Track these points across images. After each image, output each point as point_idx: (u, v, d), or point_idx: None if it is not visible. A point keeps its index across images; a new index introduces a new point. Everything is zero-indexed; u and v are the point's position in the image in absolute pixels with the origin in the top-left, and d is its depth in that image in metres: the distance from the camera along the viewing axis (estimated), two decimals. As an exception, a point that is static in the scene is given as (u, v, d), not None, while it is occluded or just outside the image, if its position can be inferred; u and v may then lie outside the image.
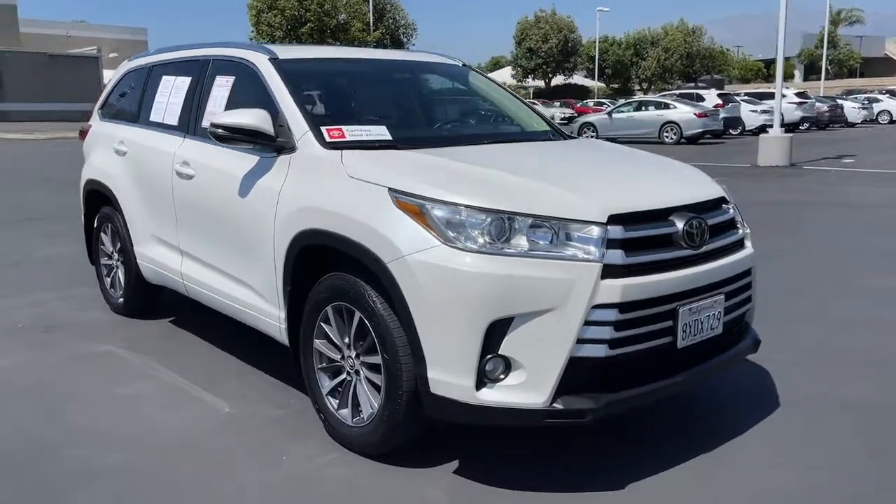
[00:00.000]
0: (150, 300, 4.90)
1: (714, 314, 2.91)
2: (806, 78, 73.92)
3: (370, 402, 2.95)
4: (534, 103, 43.59)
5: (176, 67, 4.50)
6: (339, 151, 3.17)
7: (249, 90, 3.74)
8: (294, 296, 3.23)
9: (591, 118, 26.50)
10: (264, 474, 2.91)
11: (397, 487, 2.80)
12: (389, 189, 2.82)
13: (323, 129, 3.31)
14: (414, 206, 2.73)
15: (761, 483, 2.82)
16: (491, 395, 2.61)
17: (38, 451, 3.10)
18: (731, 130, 27.10)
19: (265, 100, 3.54)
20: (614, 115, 25.22)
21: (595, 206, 2.68)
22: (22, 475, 2.91)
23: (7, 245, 7.59)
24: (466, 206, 2.66)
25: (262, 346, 3.88)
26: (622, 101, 30.68)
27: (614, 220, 2.67)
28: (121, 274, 4.93)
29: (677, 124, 23.72)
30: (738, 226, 3.17)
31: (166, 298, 4.92)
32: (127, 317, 4.97)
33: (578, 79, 65.04)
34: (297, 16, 40.04)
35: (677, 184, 3.19)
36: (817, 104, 32.21)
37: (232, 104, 3.80)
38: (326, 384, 3.16)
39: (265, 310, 3.48)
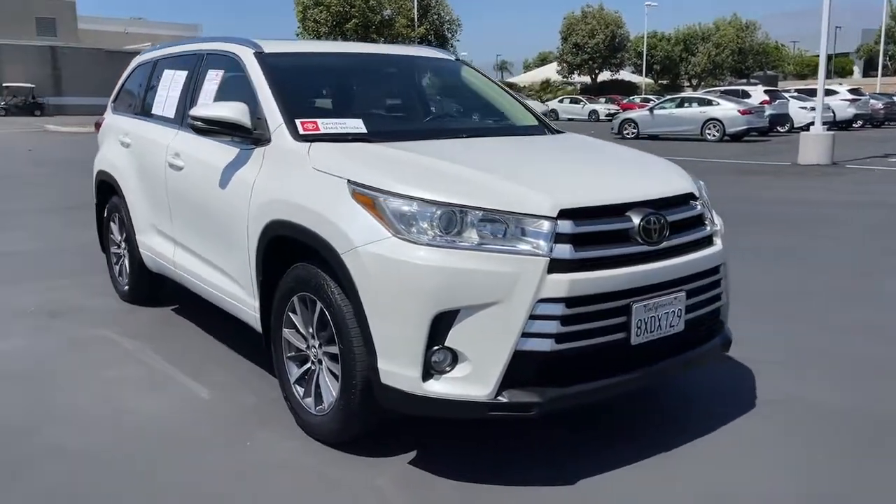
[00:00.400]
0: (153, 288, 5.03)
1: (674, 312, 2.88)
2: (865, 74, 71.58)
3: (330, 392, 3.00)
4: (579, 100, 43.34)
5: (175, 61, 4.61)
6: (308, 144, 3.22)
7: (235, 84, 3.82)
8: (266, 286, 3.30)
9: (631, 115, 26.19)
10: (224, 460, 2.98)
11: (348, 476, 2.84)
12: (348, 181, 2.86)
13: (298, 121, 3.36)
14: (368, 198, 2.76)
15: (714, 486, 2.78)
16: (436, 387, 2.63)
17: (15, 430, 3.23)
18: (778, 128, 26.46)
19: (248, 93, 3.61)
20: (655, 112, 24.85)
21: (546, 200, 2.67)
22: (-5, 452, 3.04)
23: (46, 232, 7.89)
24: (417, 199, 2.68)
25: (255, 335, 3.95)
26: (664, 97, 30.19)
27: (565, 214, 2.66)
28: (127, 262, 5.08)
29: (720, 121, 23.26)
30: (706, 222, 3.12)
31: (169, 287, 5.04)
32: (132, 304, 5.12)
33: (626, 75, 64.20)
34: (343, 12, 40.38)
35: (640, 179, 3.15)
36: (871, 101, 31.23)
37: (220, 97, 3.89)
38: (294, 372, 3.21)
39: (242, 298, 3.56)
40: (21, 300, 5.24)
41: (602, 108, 41.15)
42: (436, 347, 2.61)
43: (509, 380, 2.61)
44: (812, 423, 3.29)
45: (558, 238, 2.63)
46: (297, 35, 41.77)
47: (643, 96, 43.73)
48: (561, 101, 44.93)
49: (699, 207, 3.10)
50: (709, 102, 24.23)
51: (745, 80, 54.26)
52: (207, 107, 3.48)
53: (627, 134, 24.88)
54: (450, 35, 46.30)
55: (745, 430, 3.22)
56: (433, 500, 2.70)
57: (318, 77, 4.10)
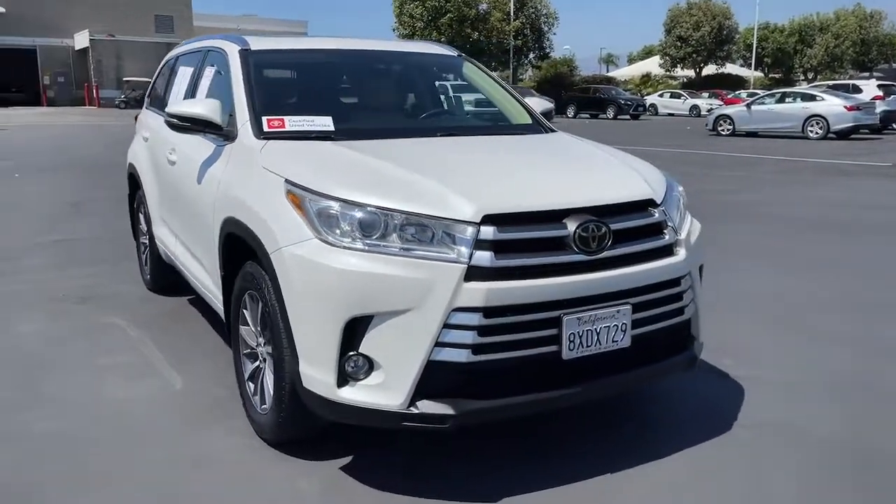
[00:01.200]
0: (169, 278, 5.19)
1: (616, 326, 2.70)
2: None
3: (270, 391, 2.99)
4: (679, 94, 41.72)
5: (188, 58, 4.74)
6: (265, 142, 3.23)
7: (221, 80, 3.88)
8: (226, 281, 3.34)
9: (727, 110, 25.05)
10: (165, 452, 3.03)
11: (275, 476, 2.83)
12: (285, 180, 2.84)
13: (265, 118, 3.38)
14: (298, 198, 2.73)
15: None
16: (350, 394, 2.57)
17: (-8, 410, 3.40)
18: (893, 125, 24.73)
19: (228, 90, 3.66)
20: (753, 108, 23.64)
21: (470, 205, 2.56)
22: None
23: (114, 220, 8.26)
24: (340, 200, 2.63)
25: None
26: (763, 92, 28.68)
27: (489, 220, 2.55)
28: (148, 252, 5.27)
29: (824, 118, 21.87)
30: (665, 231, 2.91)
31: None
32: (154, 292, 5.31)
33: (733, 69, 61.31)
34: (438, 6, 40.55)
35: (588, 184, 2.97)
36: None
37: (210, 94, 3.96)
38: (247, 369, 3.24)
39: (214, 292, 3.62)
40: (59, 285, 5.53)
41: (704, 103, 39.55)
42: (350, 353, 2.56)
43: (424, 390, 2.53)
44: (789, 453, 3.02)
45: (479, 245, 2.52)
46: (393, 30, 42.32)
47: (750, 91, 41.68)
48: (661, 95, 43.55)
49: (657, 215, 2.90)
50: (812, 98, 22.83)
51: (867, 74, 50.92)
52: (181, 103, 3.55)
53: (723, 131, 23.82)
54: (546, 28, 45.66)
55: (709, 455, 3.00)
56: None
57: (301, 75, 4.10)
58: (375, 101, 4.11)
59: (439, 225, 2.55)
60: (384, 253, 2.53)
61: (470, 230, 2.53)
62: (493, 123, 4.07)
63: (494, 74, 4.39)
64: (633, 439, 3.15)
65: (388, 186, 2.70)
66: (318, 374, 2.61)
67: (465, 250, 2.51)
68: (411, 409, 2.52)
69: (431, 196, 2.63)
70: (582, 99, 38.70)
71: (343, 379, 2.58)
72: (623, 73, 60.63)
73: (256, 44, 3.93)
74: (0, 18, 47.48)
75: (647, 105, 40.72)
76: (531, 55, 47.17)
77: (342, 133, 3.38)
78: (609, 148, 3.60)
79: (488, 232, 2.53)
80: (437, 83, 4.49)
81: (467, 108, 4.86)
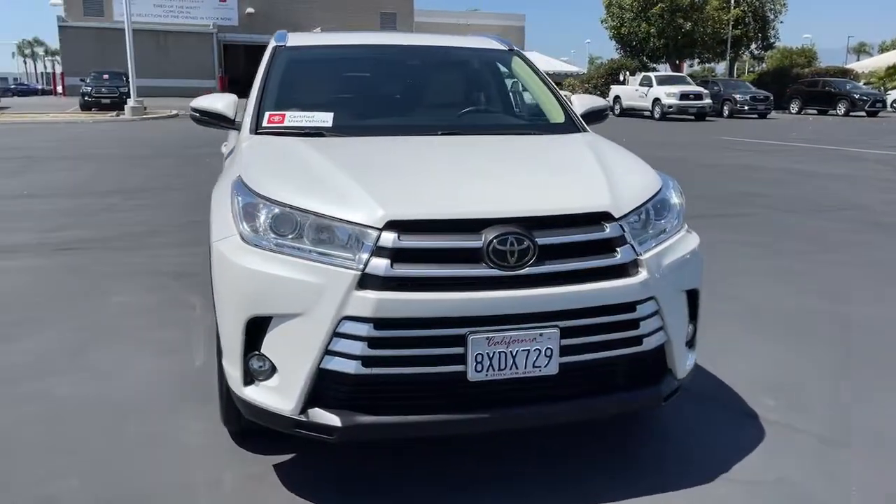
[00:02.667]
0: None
1: (539, 351, 2.43)
2: None
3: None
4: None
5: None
6: (254, 136, 3.31)
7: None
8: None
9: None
10: (132, 427, 3.20)
11: (207, 464, 2.88)
12: (239, 175, 2.88)
13: (268, 114, 3.46)
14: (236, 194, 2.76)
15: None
16: (253, 393, 2.56)
17: (10, 377, 3.79)
18: None
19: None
20: None
21: (375, 209, 2.43)
22: None
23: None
24: (264, 198, 2.61)
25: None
26: None
27: (393, 226, 2.40)
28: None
29: None
30: (618, 249, 2.56)
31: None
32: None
33: None
34: (649, -6, 38.85)
35: (532, 193, 2.67)
36: None
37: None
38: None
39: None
40: (171, 261, 6.07)
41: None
42: (253, 353, 2.54)
43: (317, 398, 2.45)
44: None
45: (378, 252, 2.38)
46: (602, 22, 41.17)
47: None
48: (907, 89, 38.43)
49: (608, 231, 2.55)
50: None
51: None
52: (202, 98, 3.72)
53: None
54: (772, 16, 41.84)
55: (667, 508, 2.62)
56: (255, 506, 2.64)
57: (331, 70, 4.11)
58: (396, 96, 4.02)
59: (347, 229, 2.45)
60: (288, 254, 2.48)
61: (372, 235, 2.40)
62: (513, 123, 3.82)
63: (541, 70, 4.12)
64: (612, 473, 2.82)
65: (315, 186, 2.65)
66: (231, 371, 2.62)
67: (364, 256, 2.39)
68: (302, 416, 2.46)
69: (349, 198, 2.53)
70: (808, 93, 35.20)
71: (249, 378, 2.57)
72: (866, 64, 54.25)
73: (295, 40, 4.02)
74: (250, 18, 53.02)
75: (892, 102, 36.09)
76: (752, 46, 43.58)
77: (339, 130, 3.36)
78: (623, 156, 3.24)
79: (388, 239, 2.38)
80: (484, 78, 4.30)
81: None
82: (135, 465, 2.89)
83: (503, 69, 4.23)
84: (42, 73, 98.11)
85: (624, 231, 2.58)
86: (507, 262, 2.40)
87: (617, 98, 33.12)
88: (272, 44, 3.99)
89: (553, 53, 73.32)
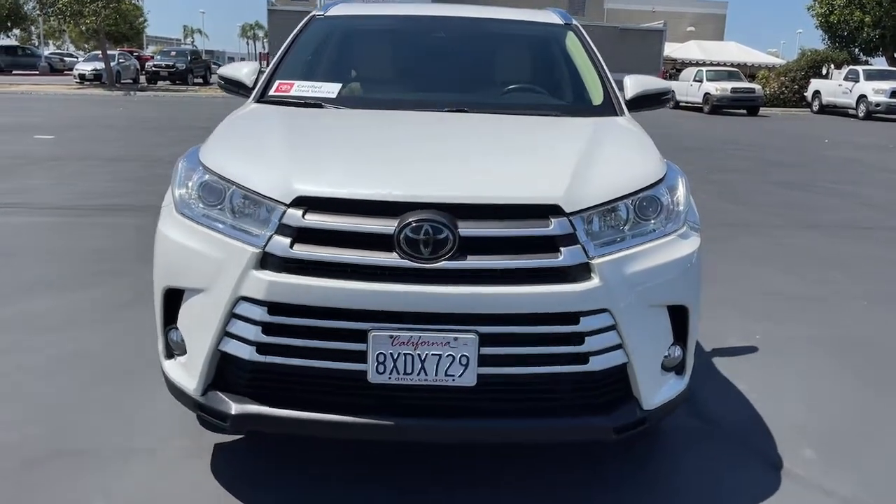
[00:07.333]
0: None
1: (452, 357, 2.10)
2: None
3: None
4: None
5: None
6: (255, 105, 3.25)
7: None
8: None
9: None
10: (86, 393, 3.23)
11: (147, 443, 2.82)
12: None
13: (277, 82, 3.36)
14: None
15: None
16: (170, 368, 2.45)
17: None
18: None
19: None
20: None
21: (286, 183, 2.21)
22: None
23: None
24: (203, 166, 2.47)
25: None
26: None
27: (302, 202, 2.17)
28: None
29: None
30: (562, 250, 2.14)
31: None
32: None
33: None
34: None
35: (470, 177, 2.31)
36: None
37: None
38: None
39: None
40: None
41: None
42: (171, 326, 2.42)
43: (221, 381, 2.30)
44: None
45: (281, 229, 2.17)
46: (808, 10, 37.21)
47: None
48: None
49: (553, 227, 2.14)
50: None
51: None
52: (228, 66, 3.66)
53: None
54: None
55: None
56: (178, 489, 2.53)
57: (354, 41, 3.89)
58: (420, 70, 3.72)
59: (261, 202, 2.25)
60: (207, 226, 2.33)
61: (278, 211, 2.19)
62: (533, 103, 3.40)
63: (594, 49, 3.64)
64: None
65: (249, 156, 2.50)
66: (159, 344, 2.53)
67: (268, 234, 2.19)
68: (203, 398, 2.31)
69: (270, 170, 2.32)
70: None
71: (169, 351, 2.46)
72: None
73: (337, 10, 3.87)
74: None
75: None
76: None
77: (341, 101, 3.19)
78: (628, 145, 2.80)
79: (294, 216, 2.16)
80: (525, 54, 3.90)
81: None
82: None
83: (553, 45, 3.81)
84: (258, 52, 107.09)
85: (574, 229, 2.16)
86: (420, 254, 2.09)
87: (816, 93, 30.21)
88: (312, 13, 3.87)
89: (760, 44, 68.24)
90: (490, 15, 3.90)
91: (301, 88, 3.27)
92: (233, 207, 2.31)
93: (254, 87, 3.45)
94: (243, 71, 3.53)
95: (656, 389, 2.33)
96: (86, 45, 63.71)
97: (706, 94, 28.53)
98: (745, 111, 28.33)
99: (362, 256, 2.12)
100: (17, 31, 57.83)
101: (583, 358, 2.17)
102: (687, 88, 30.41)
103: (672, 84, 31.94)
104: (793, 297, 4.87)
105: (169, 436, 2.83)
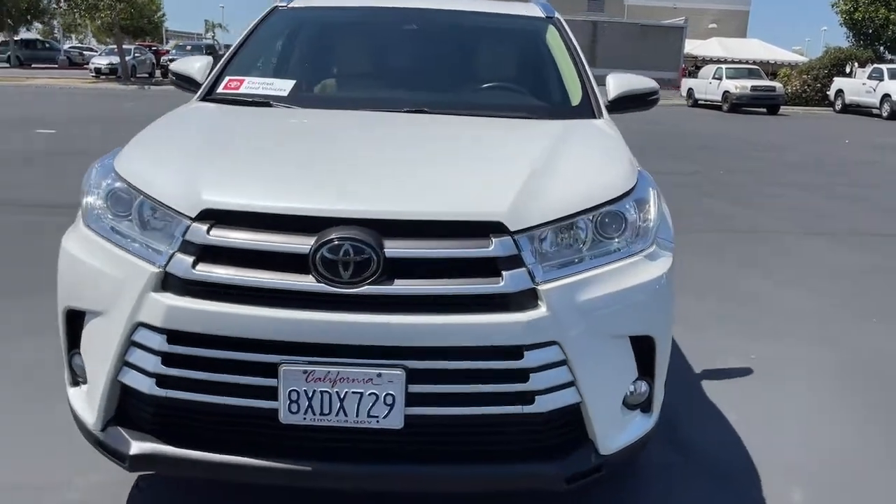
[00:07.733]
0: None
1: (375, 395, 1.83)
2: None
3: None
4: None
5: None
6: (196, 104, 2.99)
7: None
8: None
9: None
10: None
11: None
12: (126, 147, 2.52)
13: (227, 78, 3.10)
14: (110, 166, 2.39)
15: None
16: (73, 397, 2.19)
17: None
18: None
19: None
20: None
21: (196, 193, 1.95)
22: None
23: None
24: (114, 171, 2.21)
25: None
26: None
27: (207, 216, 1.90)
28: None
29: None
30: (504, 274, 1.85)
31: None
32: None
33: None
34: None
35: (402, 190, 2.02)
36: None
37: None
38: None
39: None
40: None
41: None
42: (74, 350, 2.17)
43: (123, 415, 2.04)
44: None
45: (185, 247, 1.90)
46: (832, 7, 36.35)
47: None
48: None
49: (493, 247, 1.85)
50: None
51: None
52: (182, 60, 3.40)
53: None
54: None
55: None
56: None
57: (316, 36, 3.61)
58: (384, 67, 3.43)
59: (165, 214, 1.99)
60: (110, 239, 2.06)
61: (182, 225, 1.92)
62: (502, 104, 3.09)
63: (576, 45, 3.33)
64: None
65: (163, 162, 2.23)
66: (65, 369, 2.27)
67: (169, 251, 1.92)
68: (101, 434, 2.05)
69: (179, 178, 2.06)
70: None
71: (74, 379, 2.21)
72: None
73: (303, 0, 3.60)
74: None
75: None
76: None
77: (292, 100, 2.92)
78: (597, 152, 2.51)
79: (198, 231, 1.89)
80: (498, 49, 3.61)
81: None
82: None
83: (531, 40, 3.51)
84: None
85: (520, 249, 1.88)
86: (339, 277, 1.81)
87: (839, 92, 29.56)
88: (275, 3, 3.60)
89: (784, 42, 67.26)
90: (466, 7, 3.60)
91: (251, 85, 3.01)
92: (142, 220, 2.05)
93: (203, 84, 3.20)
94: (195, 66, 3.27)
95: (617, 431, 2.04)
96: (107, 40, 64.08)
97: (725, 92, 27.99)
98: (765, 110, 27.78)
99: (272, 279, 1.84)
100: (38, 25, 58.23)
101: (528, 397, 1.89)
102: (706, 86, 29.84)
103: (691, 82, 31.75)
104: (796, 311, 4.54)
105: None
